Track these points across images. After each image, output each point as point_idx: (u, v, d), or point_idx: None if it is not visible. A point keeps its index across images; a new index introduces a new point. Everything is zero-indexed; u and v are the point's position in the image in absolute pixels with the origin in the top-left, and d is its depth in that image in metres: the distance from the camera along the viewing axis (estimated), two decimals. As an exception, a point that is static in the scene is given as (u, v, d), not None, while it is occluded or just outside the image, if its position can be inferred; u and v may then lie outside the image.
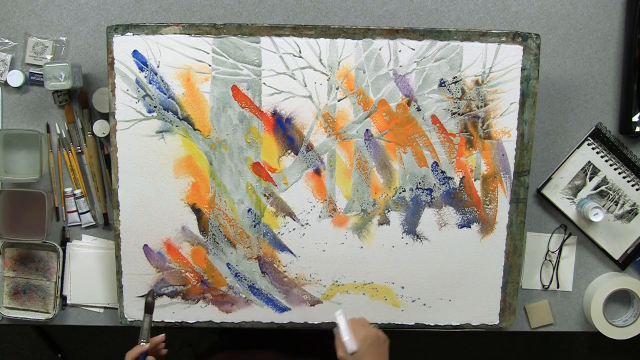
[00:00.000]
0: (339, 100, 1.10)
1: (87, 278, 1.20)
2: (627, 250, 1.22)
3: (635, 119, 1.17)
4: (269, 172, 1.11)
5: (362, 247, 1.14)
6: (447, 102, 1.10)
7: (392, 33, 1.08)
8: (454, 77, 1.09)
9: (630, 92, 1.18)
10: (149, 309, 1.00)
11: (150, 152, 1.10)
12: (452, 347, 2.01)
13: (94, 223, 1.20)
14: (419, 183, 1.12)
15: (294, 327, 1.16)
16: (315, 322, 1.16)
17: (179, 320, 1.16)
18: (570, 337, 2.04)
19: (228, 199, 1.12)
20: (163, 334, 1.02)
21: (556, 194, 1.20)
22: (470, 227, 1.14)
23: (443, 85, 1.10)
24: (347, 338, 0.96)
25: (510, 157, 1.12)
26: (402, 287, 1.15)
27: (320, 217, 1.13)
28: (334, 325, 0.99)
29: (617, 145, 1.19)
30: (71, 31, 1.17)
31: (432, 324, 1.17)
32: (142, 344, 0.98)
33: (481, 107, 1.10)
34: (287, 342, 1.25)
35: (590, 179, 1.20)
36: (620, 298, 1.23)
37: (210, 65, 1.08)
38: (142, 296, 1.02)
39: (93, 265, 1.20)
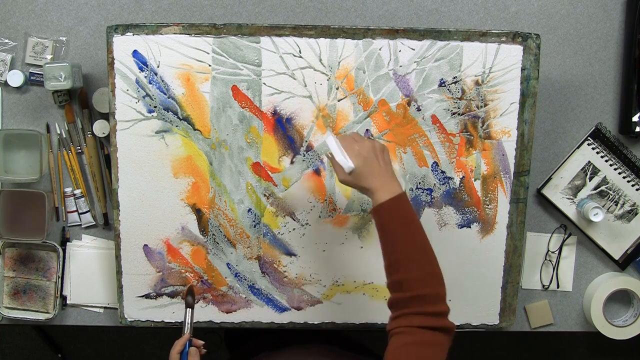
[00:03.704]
0: (339, 100, 1.10)
1: (87, 278, 1.20)
2: (627, 250, 1.22)
3: (635, 119, 1.17)
4: (269, 172, 1.11)
5: (362, 247, 1.14)
6: (447, 102, 1.10)
7: (392, 33, 1.08)
8: (454, 77, 1.09)
9: (630, 92, 1.18)
10: (189, 305, 1.01)
11: (150, 152, 1.10)
12: (452, 347, 2.01)
13: (94, 223, 1.20)
14: (419, 183, 1.12)
15: (294, 327, 1.16)
16: (316, 322, 1.16)
17: (179, 321, 1.16)
18: (570, 337, 2.04)
19: (228, 199, 1.12)
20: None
21: (556, 194, 1.20)
22: (470, 227, 1.14)
23: (443, 85, 1.10)
24: (340, 157, 0.89)
25: (510, 157, 1.12)
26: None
27: (320, 217, 1.13)
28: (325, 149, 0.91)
29: (617, 145, 1.19)
30: (71, 31, 1.17)
31: (432, 324, 1.17)
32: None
33: (481, 107, 1.10)
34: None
35: (590, 179, 1.20)
36: (620, 298, 1.23)
37: (210, 65, 1.08)
38: (189, 293, 1.02)
39: (93, 265, 1.20)
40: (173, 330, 1.13)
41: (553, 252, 1.22)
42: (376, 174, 0.88)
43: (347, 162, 0.88)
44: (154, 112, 1.09)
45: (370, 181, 0.87)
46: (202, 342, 1.00)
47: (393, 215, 0.86)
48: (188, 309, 1.01)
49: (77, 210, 1.20)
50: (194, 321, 1.02)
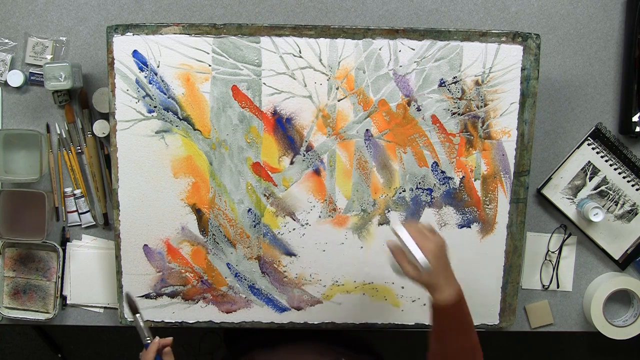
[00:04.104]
0: (339, 100, 1.10)
1: (87, 278, 1.20)
2: (627, 250, 1.22)
3: (635, 119, 1.17)
4: (269, 172, 1.11)
5: (362, 247, 1.14)
6: (447, 102, 1.10)
7: (392, 33, 1.08)
8: (454, 77, 1.09)
9: (630, 92, 1.18)
10: (133, 310, 1.00)
11: (150, 152, 1.10)
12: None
13: (94, 223, 1.20)
14: (419, 183, 1.12)
15: (294, 327, 1.16)
16: (316, 322, 1.16)
17: (179, 320, 1.16)
18: (570, 337, 2.04)
19: (228, 199, 1.12)
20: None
21: (556, 194, 1.20)
22: (470, 227, 1.14)
23: (443, 85, 1.10)
24: (420, 256, 0.86)
25: (510, 157, 1.12)
26: (402, 287, 1.15)
27: (320, 217, 1.13)
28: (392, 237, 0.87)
29: (617, 145, 1.19)
30: (71, 31, 1.17)
31: (432, 324, 1.17)
32: (148, 341, 0.97)
33: (481, 107, 1.10)
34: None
35: (590, 179, 1.20)
36: (620, 298, 1.23)
37: (210, 65, 1.08)
38: (128, 301, 1.02)
39: (93, 265, 1.20)
40: (173, 330, 1.13)
41: (553, 252, 1.22)
42: (441, 271, 0.88)
43: (426, 263, 0.86)
44: (154, 112, 1.09)
45: (437, 279, 0.87)
46: (159, 339, 0.99)
47: (455, 318, 0.89)
48: (136, 315, 0.99)
49: (77, 210, 1.20)
50: (145, 319, 1.00)
